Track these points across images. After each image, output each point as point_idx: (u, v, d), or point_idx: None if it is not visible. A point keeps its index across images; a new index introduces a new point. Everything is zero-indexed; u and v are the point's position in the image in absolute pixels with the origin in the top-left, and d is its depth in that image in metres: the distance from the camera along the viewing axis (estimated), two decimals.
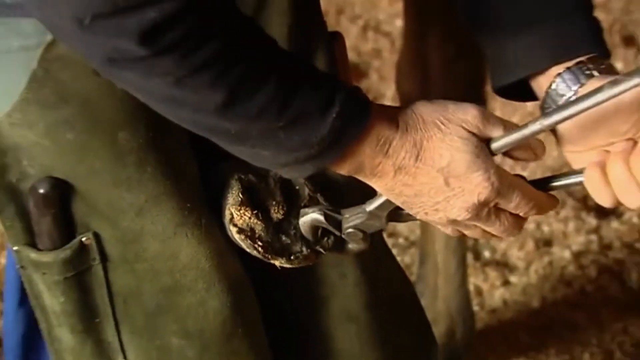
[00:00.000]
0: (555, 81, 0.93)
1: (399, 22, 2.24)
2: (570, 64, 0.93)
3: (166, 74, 0.82)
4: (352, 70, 1.73)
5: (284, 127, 0.87)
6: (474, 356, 1.81)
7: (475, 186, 0.89)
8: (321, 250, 1.03)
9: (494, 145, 0.89)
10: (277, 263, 1.02)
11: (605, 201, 0.90)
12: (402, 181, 0.93)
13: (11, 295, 1.42)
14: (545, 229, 2.19)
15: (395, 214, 1.00)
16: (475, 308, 1.91)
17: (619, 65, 2.50)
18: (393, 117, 0.91)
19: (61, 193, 1.00)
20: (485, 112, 0.93)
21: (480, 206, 0.91)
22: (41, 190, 0.98)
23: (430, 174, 0.91)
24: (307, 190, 1.05)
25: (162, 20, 0.77)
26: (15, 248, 1.05)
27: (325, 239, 1.03)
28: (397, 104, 1.45)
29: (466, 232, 0.98)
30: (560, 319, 1.98)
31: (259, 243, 1.02)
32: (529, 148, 0.94)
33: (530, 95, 0.99)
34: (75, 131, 0.96)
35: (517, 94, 0.99)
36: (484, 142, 0.90)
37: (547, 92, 0.94)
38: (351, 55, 1.64)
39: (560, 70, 0.93)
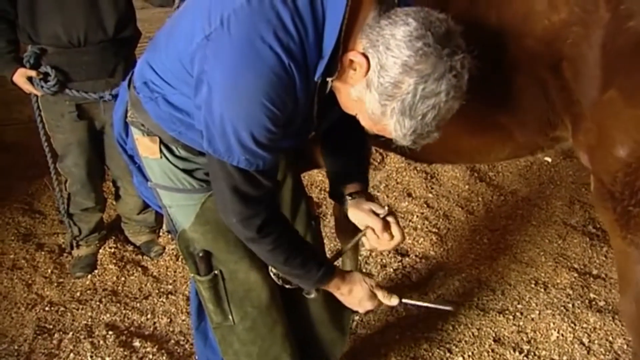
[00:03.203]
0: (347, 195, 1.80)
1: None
2: (357, 188, 1.78)
3: (265, 246, 1.65)
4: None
5: (303, 274, 1.74)
6: None
7: (365, 303, 1.78)
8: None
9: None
10: (286, 286, 1.90)
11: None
12: (344, 296, 1.79)
13: (192, 289, 2.06)
14: None
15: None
16: None
17: None
18: (346, 274, 1.80)
19: (207, 256, 1.82)
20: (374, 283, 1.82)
21: (362, 308, 1.78)
22: (200, 254, 1.82)
23: (354, 297, 1.78)
24: None
25: (262, 224, 1.60)
26: (191, 275, 1.88)
27: None
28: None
29: (361, 309, 1.85)
30: None
31: (280, 279, 1.89)
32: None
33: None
34: (212, 234, 1.80)
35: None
36: (373, 290, 1.80)
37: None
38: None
39: (352, 191, 1.77)
